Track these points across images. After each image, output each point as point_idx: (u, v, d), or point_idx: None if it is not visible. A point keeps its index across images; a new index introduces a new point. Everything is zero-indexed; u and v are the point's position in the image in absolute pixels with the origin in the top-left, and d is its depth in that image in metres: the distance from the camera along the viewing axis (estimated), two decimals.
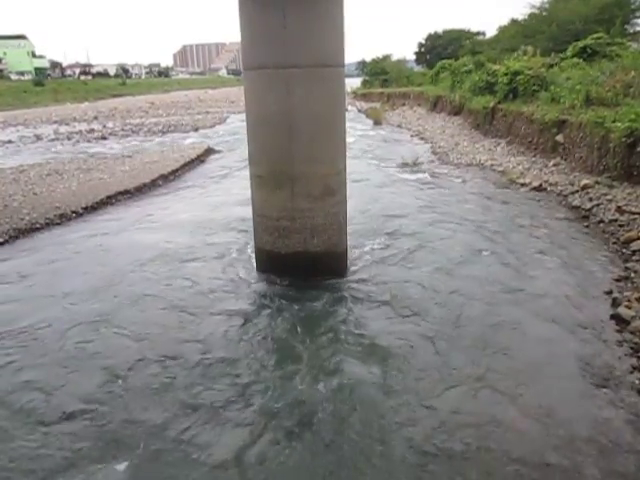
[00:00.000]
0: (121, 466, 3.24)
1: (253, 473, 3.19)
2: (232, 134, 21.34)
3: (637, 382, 3.95)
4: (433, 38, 50.11)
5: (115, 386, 4.06)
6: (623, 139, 8.71)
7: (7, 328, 5.01)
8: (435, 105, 25.25)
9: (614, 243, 6.91)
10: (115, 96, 61.96)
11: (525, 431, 3.47)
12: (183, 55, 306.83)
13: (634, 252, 6.45)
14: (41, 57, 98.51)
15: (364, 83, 50.63)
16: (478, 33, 48.76)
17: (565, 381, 4.03)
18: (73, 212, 9.07)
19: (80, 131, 24.02)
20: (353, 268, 6.34)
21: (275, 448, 3.37)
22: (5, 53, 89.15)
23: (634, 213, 7.47)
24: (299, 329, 4.90)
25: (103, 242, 7.60)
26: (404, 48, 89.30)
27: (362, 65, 56.91)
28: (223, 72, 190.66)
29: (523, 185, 10.43)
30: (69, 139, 21.18)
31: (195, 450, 3.36)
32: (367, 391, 3.96)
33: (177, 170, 13.05)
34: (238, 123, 24.61)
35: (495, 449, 3.32)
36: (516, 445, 3.35)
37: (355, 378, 4.11)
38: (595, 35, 17.66)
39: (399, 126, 23.46)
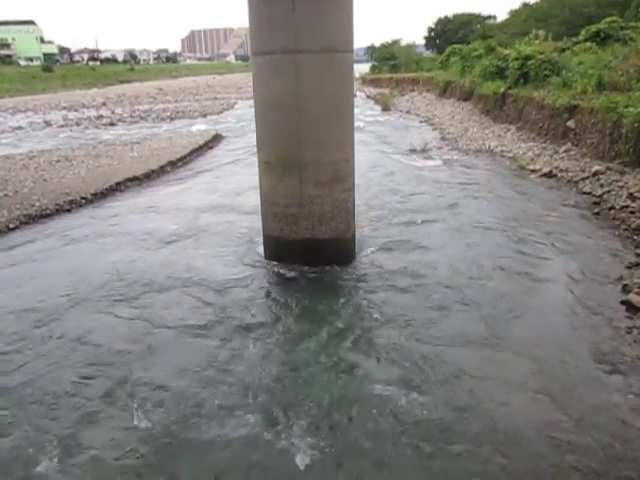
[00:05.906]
0: None
1: None
2: (240, 120, 21.27)
3: None
4: (443, 22, 49.59)
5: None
6: (636, 124, 8.59)
7: None
8: (445, 91, 24.99)
9: (625, 230, 6.85)
10: (123, 82, 61.88)
11: (532, 417, 3.48)
12: (191, 41, 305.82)
13: None
14: (50, 43, 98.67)
15: (373, 68, 50.19)
16: (489, 17, 48.24)
17: (574, 367, 4.02)
18: (82, 198, 9.10)
19: (89, 117, 24.04)
20: (361, 253, 6.34)
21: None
22: (14, 38, 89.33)
23: None
24: (307, 315, 4.93)
25: (112, 229, 7.64)
26: (413, 33, 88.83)
27: (371, 50, 56.28)
28: (231, 58, 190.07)
29: (533, 171, 10.33)
30: (78, 125, 21.22)
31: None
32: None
33: (185, 156, 13.05)
34: (246, 109, 24.51)
35: (503, 433, 3.34)
36: (521, 432, 3.36)
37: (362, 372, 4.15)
38: (608, 19, 17.37)
39: (408, 112, 23.26)
